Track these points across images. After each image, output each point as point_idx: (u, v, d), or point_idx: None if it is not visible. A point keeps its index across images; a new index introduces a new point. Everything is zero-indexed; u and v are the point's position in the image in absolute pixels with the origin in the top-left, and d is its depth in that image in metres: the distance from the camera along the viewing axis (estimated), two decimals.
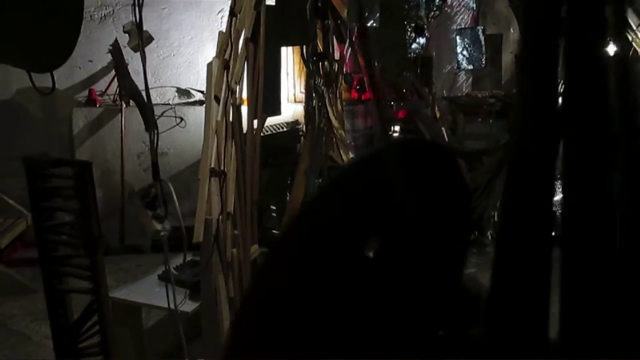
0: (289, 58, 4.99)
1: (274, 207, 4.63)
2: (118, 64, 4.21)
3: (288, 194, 4.51)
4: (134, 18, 1.79)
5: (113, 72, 4.60)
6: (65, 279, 1.95)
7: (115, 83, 4.56)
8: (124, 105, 4.51)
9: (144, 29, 4.31)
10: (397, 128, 4.72)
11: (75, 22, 1.44)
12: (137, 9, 1.77)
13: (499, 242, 0.31)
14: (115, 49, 3.98)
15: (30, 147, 4.34)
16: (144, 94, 2.08)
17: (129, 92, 4.35)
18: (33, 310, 3.48)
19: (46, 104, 4.62)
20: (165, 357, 2.89)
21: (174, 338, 2.77)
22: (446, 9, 5.06)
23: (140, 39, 1.88)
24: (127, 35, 4.06)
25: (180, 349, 2.22)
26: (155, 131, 1.95)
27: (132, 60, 4.60)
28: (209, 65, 2.64)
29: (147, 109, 2.22)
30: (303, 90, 4.83)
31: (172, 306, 2.17)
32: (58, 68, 1.56)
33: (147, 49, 4.53)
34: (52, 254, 1.89)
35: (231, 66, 2.65)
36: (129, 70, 4.64)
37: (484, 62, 5.15)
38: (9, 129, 4.41)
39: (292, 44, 4.50)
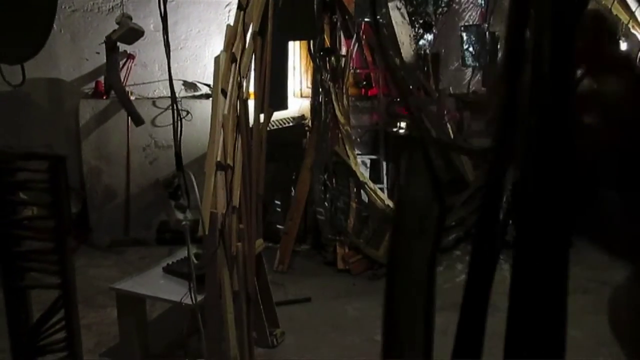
0: (296, 53, 4.98)
1: (279, 202, 4.64)
2: (108, 55, 4.23)
3: (293, 189, 4.51)
4: (160, 12, 1.77)
5: (120, 64, 4.60)
6: (27, 274, 1.90)
7: (121, 75, 4.56)
8: (132, 98, 4.52)
9: (139, 25, 4.31)
10: (402, 125, 4.70)
11: (48, 15, 1.44)
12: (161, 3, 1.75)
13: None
14: (109, 41, 4.00)
15: (37, 139, 4.36)
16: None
17: (108, 83, 4.38)
18: None
19: (52, 95, 4.64)
20: (169, 349, 2.90)
21: (177, 330, 2.78)
22: (454, 5, 5.04)
23: (165, 31, 1.85)
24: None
25: (184, 341, 2.22)
26: (181, 123, 1.94)
27: (140, 52, 4.60)
28: (217, 58, 2.64)
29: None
30: (310, 85, 4.82)
31: (187, 300, 2.17)
32: (28, 60, 1.56)
33: (153, 42, 4.55)
34: (13, 249, 1.84)
35: (238, 60, 2.65)
36: (135, 62, 4.65)
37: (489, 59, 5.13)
38: (16, 120, 4.42)
39: (300, 39, 4.49)
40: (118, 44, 4.23)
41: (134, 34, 4.18)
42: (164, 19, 1.70)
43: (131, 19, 4.17)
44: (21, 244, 1.87)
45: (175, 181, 2.08)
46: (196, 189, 2.09)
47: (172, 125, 1.95)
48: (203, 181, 2.37)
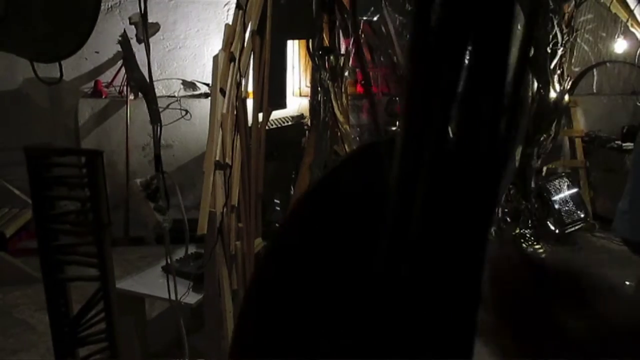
0: (295, 51, 4.98)
1: (278, 201, 4.64)
2: (127, 55, 4.20)
3: (292, 188, 4.51)
4: (140, 9, 1.79)
5: (119, 64, 4.60)
6: (66, 267, 1.95)
7: (120, 75, 4.56)
8: (132, 97, 4.51)
9: (154, 21, 4.32)
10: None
11: (92, 13, 1.43)
12: (141, 1, 1.77)
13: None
14: (125, 40, 3.97)
15: (36, 138, 4.36)
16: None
17: (138, 84, 4.35)
18: (37, 299, 3.49)
19: (52, 94, 4.63)
20: (168, 348, 2.90)
21: (176, 329, 2.79)
22: None
23: (145, 30, 1.88)
24: (133, 26, 4.07)
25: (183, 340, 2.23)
26: (159, 124, 1.95)
27: (138, 52, 4.60)
28: (215, 57, 2.64)
29: (152, 103, 2.23)
30: (308, 84, 4.82)
31: (174, 298, 2.18)
32: (67, 58, 1.56)
33: (152, 41, 4.53)
34: (52, 243, 1.88)
35: (237, 59, 2.65)
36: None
37: None
38: (15, 119, 4.43)
39: (299, 38, 4.49)
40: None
41: (152, 30, 4.18)
42: (144, 16, 1.70)
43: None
44: (60, 237, 1.91)
45: (154, 183, 2.08)
46: (177, 190, 2.09)
47: (171, 125, 1.95)
48: (202, 180, 2.38)
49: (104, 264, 1.88)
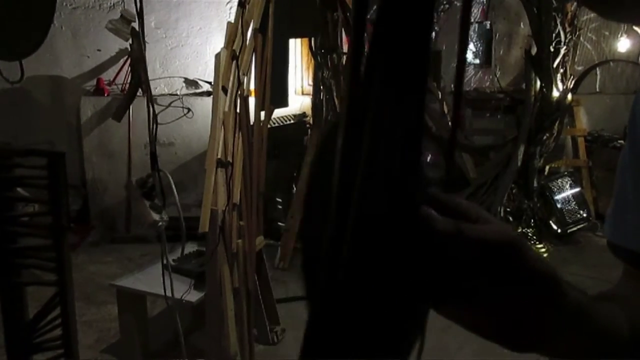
0: (297, 50, 4.98)
1: (280, 199, 4.64)
2: (136, 51, 4.19)
3: (294, 186, 4.51)
4: (135, 6, 1.78)
5: (121, 62, 4.60)
6: (23, 271, 1.89)
7: (122, 73, 4.56)
8: (141, 93, 4.51)
9: (155, 20, 4.29)
10: None
11: (47, 11, 1.43)
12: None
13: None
14: (134, 34, 3.94)
15: (38, 136, 4.36)
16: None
17: (139, 80, 4.35)
18: None
19: (54, 92, 4.64)
20: (169, 346, 2.91)
21: (177, 327, 2.79)
22: (456, 2, 5.02)
23: (142, 30, 1.87)
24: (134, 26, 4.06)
25: (184, 338, 2.23)
26: (156, 122, 1.93)
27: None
28: (217, 56, 2.63)
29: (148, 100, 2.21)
30: (311, 82, 4.82)
31: (173, 296, 2.17)
32: (27, 57, 1.55)
33: (154, 39, 4.55)
34: (9, 245, 1.83)
35: (239, 57, 2.65)
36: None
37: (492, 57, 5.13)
38: (17, 116, 4.43)
39: (301, 36, 4.49)
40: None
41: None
42: (140, 14, 1.70)
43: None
44: (18, 240, 1.85)
45: (150, 181, 2.06)
46: (173, 188, 2.08)
47: (173, 123, 1.95)
48: (204, 178, 2.38)
49: (62, 267, 1.81)
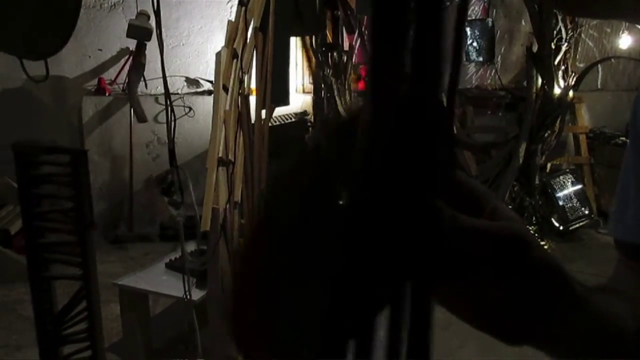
0: (298, 48, 4.98)
1: None
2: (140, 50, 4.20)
3: None
4: (152, 5, 1.78)
5: (122, 61, 4.60)
6: (51, 266, 1.94)
7: (124, 72, 4.57)
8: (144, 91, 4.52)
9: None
10: None
11: (73, 11, 1.43)
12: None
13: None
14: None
15: (40, 135, 4.37)
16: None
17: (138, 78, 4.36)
18: None
19: (56, 92, 4.65)
20: (172, 344, 2.91)
21: (180, 326, 2.79)
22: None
23: (159, 29, 1.87)
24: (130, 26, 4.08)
25: (188, 336, 2.23)
26: (173, 119, 1.95)
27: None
28: (218, 54, 2.64)
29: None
30: (312, 81, 4.82)
31: (184, 295, 2.18)
32: (53, 56, 1.55)
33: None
34: (38, 241, 1.88)
35: (240, 56, 2.65)
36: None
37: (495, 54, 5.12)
38: (19, 116, 4.43)
39: (302, 34, 4.48)
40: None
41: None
42: (157, 13, 1.71)
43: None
44: (46, 235, 1.90)
45: (169, 177, 2.08)
46: (190, 186, 2.10)
47: (175, 121, 1.95)
48: (205, 176, 2.38)
49: (86, 263, 1.85)
